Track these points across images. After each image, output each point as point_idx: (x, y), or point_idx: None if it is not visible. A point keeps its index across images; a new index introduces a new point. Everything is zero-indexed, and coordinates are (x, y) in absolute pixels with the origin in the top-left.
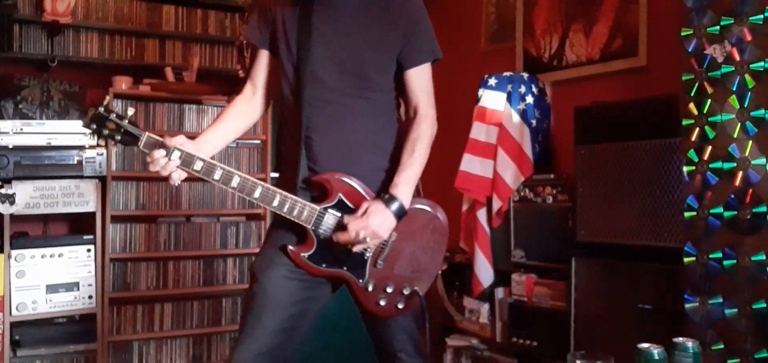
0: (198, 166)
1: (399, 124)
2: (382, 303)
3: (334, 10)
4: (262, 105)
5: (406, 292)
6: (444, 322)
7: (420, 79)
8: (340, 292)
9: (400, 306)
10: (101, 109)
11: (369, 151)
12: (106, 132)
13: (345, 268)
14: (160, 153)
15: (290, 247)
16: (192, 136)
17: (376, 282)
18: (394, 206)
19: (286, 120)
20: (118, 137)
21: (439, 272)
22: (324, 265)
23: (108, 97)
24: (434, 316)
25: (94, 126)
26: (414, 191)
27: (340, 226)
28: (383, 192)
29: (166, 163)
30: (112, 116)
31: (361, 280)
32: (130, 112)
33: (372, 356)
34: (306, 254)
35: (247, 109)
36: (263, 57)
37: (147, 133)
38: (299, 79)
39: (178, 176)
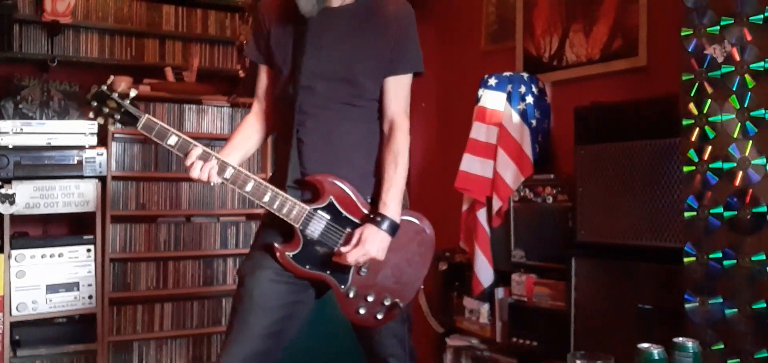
0: (198, 151)
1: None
2: (362, 311)
3: (327, 19)
4: (273, 116)
5: (386, 302)
6: (442, 321)
7: (399, 89)
8: (331, 297)
9: (380, 316)
10: (104, 87)
11: (359, 156)
12: (106, 110)
13: (328, 272)
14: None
15: (275, 244)
16: (192, 137)
17: (357, 289)
18: (387, 225)
19: (279, 125)
20: (118, 116)
21: (422, 287)
22: (307, 267)
23: (112, 77)
24: (434, 316)
25: (95, 103)
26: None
27: (337, 251)
28: (373, 213)
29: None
30: (114, 95)
31: (343, 286)
32: (133, 93)
33: (362, 361)
34: (291, 253)
35: (257, 124)
36: (264, 72)
37: (146, 115)
38: (292, 87)
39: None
